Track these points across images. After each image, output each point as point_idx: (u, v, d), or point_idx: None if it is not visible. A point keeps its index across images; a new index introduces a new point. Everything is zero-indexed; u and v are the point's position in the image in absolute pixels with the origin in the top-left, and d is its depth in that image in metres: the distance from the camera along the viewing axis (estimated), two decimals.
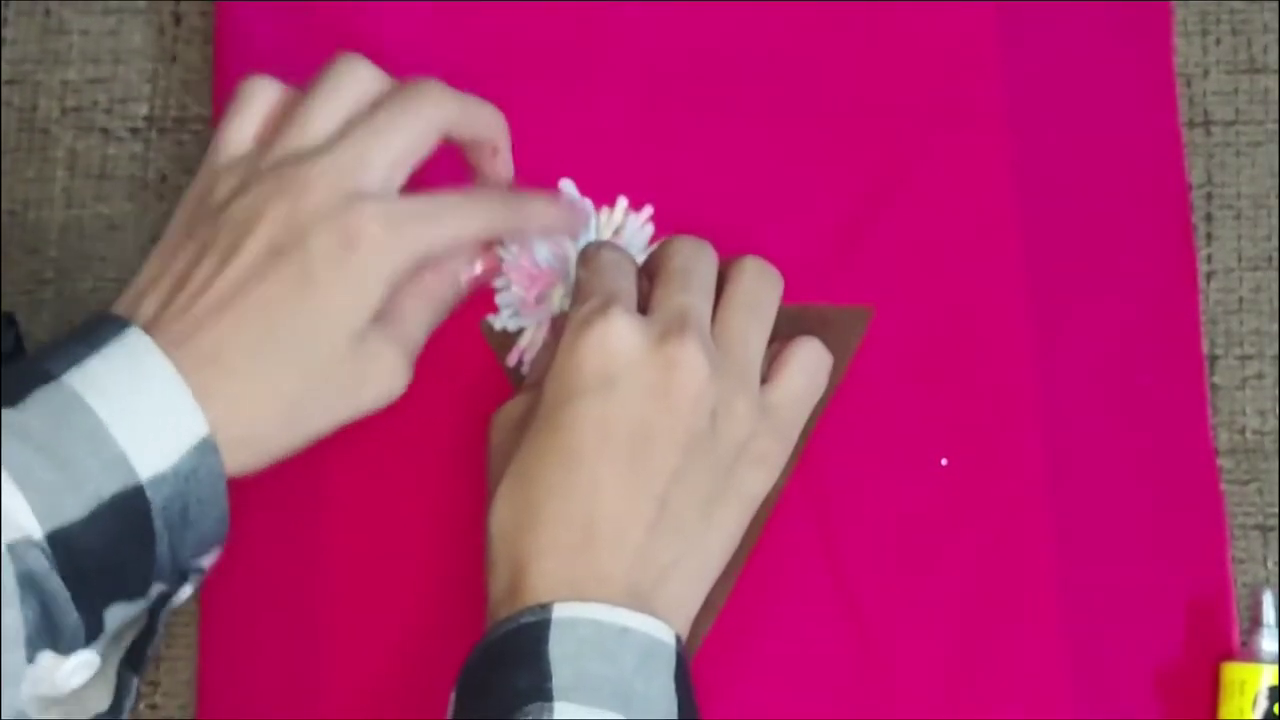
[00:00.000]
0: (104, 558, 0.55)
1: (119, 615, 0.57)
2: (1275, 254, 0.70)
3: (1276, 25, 0.72)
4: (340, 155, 0.60)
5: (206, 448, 0.57)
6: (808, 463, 0.67)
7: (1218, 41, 0.73)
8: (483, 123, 0.65)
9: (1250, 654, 0.64)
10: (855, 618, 0.66)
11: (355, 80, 0.62)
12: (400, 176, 0.62)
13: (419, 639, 0.65)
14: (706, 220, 0.69)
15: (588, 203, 0.68)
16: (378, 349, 0.61)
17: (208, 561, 0.60)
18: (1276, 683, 0.63)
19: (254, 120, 0.62)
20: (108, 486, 0.55)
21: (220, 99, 0.71)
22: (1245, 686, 0.63)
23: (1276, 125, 0.71)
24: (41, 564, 0.54)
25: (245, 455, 0.59)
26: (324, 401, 0.60)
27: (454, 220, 0.62)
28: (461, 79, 0.71)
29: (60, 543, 0.54)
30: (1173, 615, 0.66)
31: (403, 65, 0.71)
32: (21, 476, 0.54)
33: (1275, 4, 0.72)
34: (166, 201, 0.72)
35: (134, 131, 0.73)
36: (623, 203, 0.68)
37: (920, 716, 0.65)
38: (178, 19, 0.74)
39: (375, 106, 0.62)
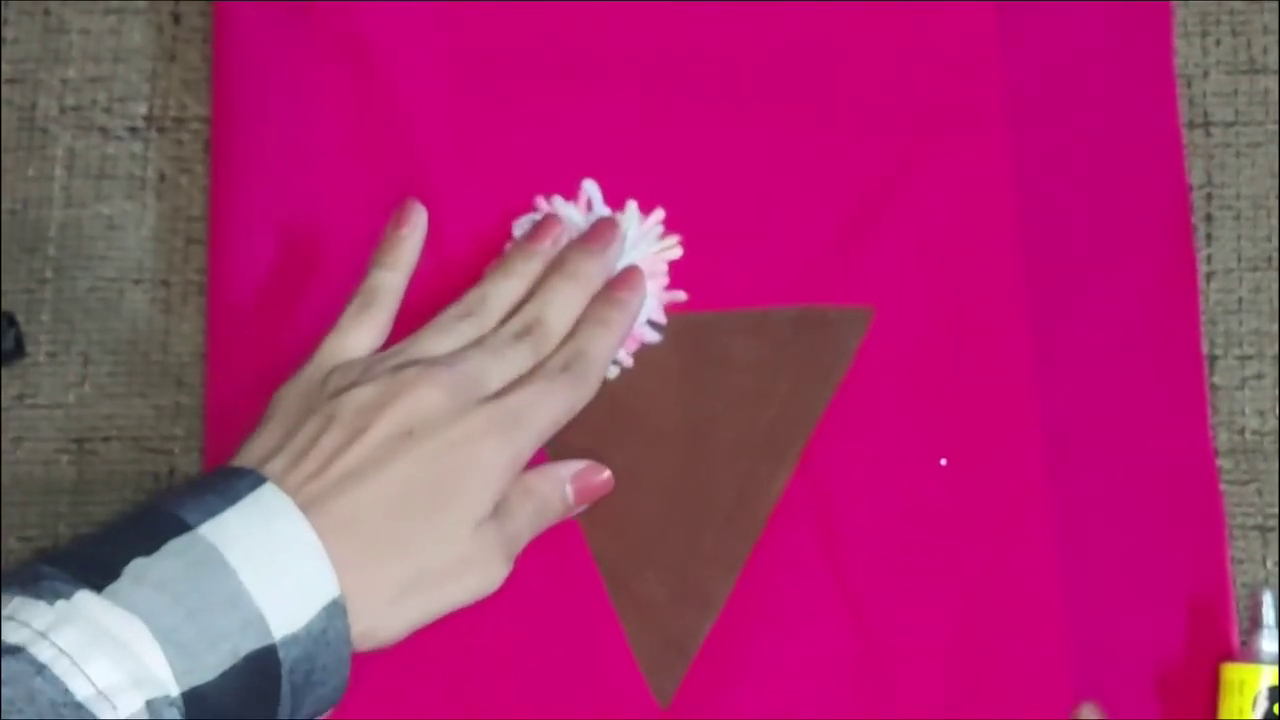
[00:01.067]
0: (231, 715, 0.54)
1: None
2: (1275, 254, 0.70)
3: (1276, 26, 0.72)
4: (465, 365, 0.62)
5: (336, 610, 0.56)
6: (808, 463, 0.67)
7: (1218, 42, 0.73)
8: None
9: (1250, 654, 0.64)
10: (855, 617, 0.66)
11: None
12: None
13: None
14: (706, 220, 0.69)
15: (606, 209, 0.68)
16: (491, 541, 0.61)
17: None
18: (1276, 683, 0.63)
19: (374, 325, 0.64)
20: (244, 645, 0.54)
21: (220, 99, 0.71)
22: (1245, 686, 0.64)
23: (1276, 126, 0.71)
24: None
25: (358, 628, 0.58)
26: (433, 584, 0.59)
27: (544, 417, 0.63)
28: (462, 79, 0.71)
29: (194, 701, 0.53)
30: (1173, 615, 0.66)
31: (403, 65, 0.71)
32: (160, 631, 0.52)
33: (1275, 5, 0.72)
34: (165, 201, 0.72)
35: (133, 131, 0.73)
36: (632, 205, 0.68)
37: (920, 716, 0.65)
38: (177, 18, 0.74)
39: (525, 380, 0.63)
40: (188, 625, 0.53)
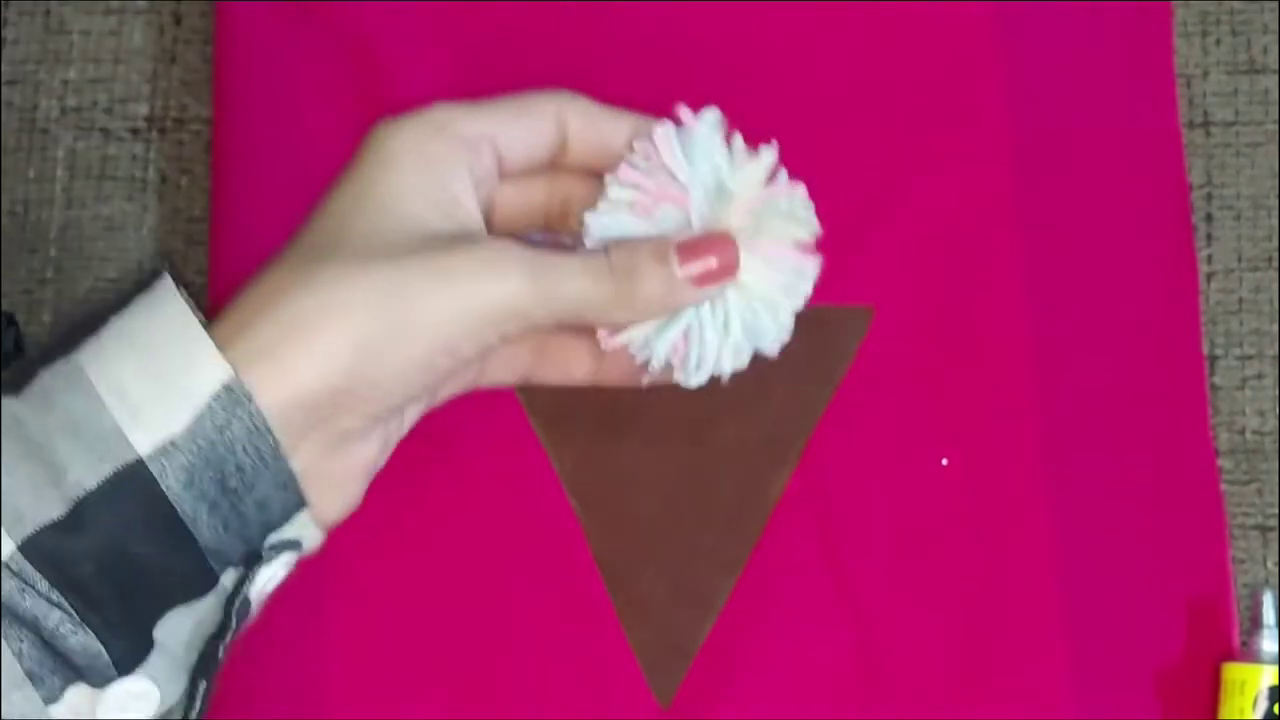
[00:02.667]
0: (115, 561, 0.45)
1: (181, 625, 0.47)
2: (1275, 254, 0.70)
3: (1276, 26, 0.72)
4: None
5: (232, 398, 0.45)
6: (808, 463, 0.67)
7: (1218, 42, 0.73)
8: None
9: (1250, 654, 0.64)
10: (855, 617, 0.66)
11: None
12: None
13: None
14: None
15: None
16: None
17: (296, 533, 0.49)
18: (1276, 683, 0.63)
19: None
20: (95, 472, 0.45)
21: (221, 99, 0.71)
22: (1245, 687, 0.63)
23: (1276, 126, 0.71)
24: (10, 587, 0.44)
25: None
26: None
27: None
28: (462, 79, 0.71)
29: (41, 555, 0.44)
30: (1173, 615, 0.66)
31: (403, 65, 0.71)
32: None
33: (1275, 5, 0.72)
34: (166, 202, 0.72)
35: (134, 132, 0.73)
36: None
37: (920, 716, 0.65)
38: (178, 19, 0.74)
39: None
40: (24, 467, 0.45)
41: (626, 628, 0.66)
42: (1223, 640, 0.66)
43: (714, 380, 0.55)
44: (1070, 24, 0.72)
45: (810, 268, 0.55)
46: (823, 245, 0.69)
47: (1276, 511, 0.68)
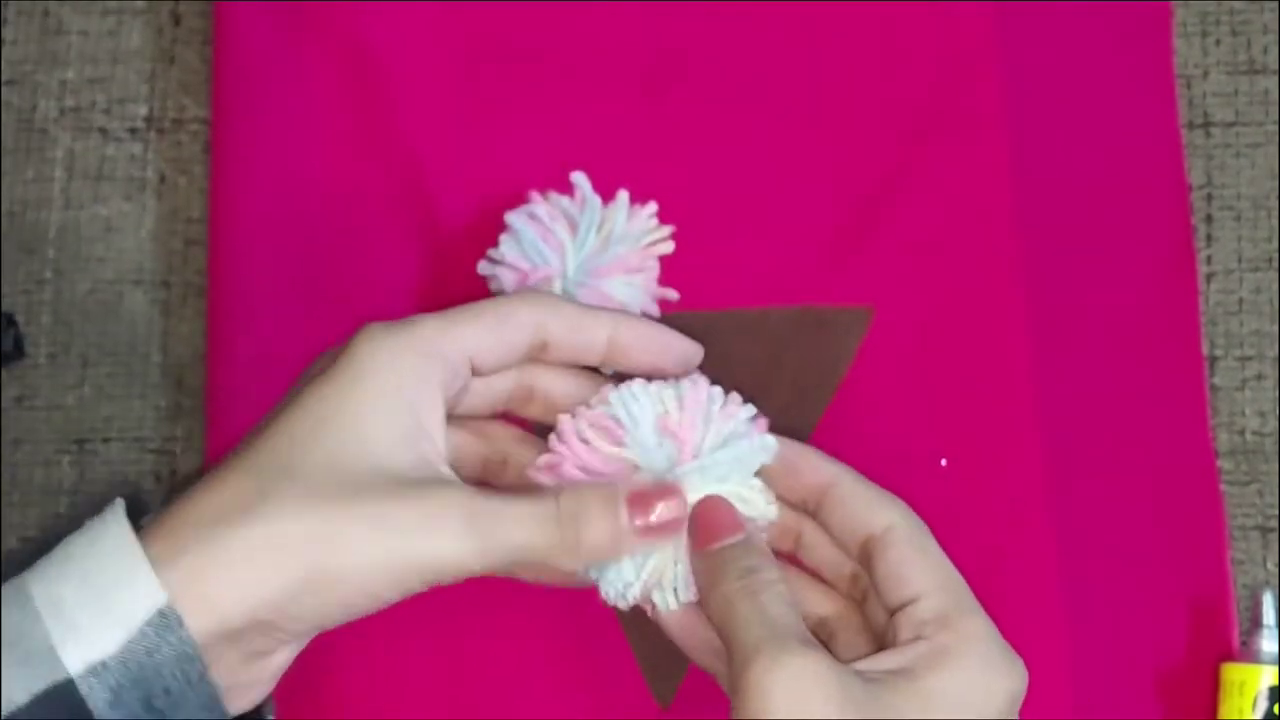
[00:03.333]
0: None
1: None
2: (1275, 255, 0.70)
3: (1276, 26, 0.72)
4: None
5: (165, 623, 0.47)
6: None
7: (1218, 42, 0.73)
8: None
9: (1250, 654, 0.64)
10: None
11: None
12: None
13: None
14: (706, 219, 0.69)
15: (596, 198, 0.67)
16: None
17: None
18: (1276, 683, 0.63)
19: None
20: (27, 688, 0.46)
21: (219, 100, 0.71)
22: (1245, 687, 0.63)
23: (1276, 126, 0.71)
24: None
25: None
26: None
27: None
28: (462, 79, 0.71)
29: None
30: (1173, 615, 0.66)
31: (403, 66, 0.71)
32: None
33: (1275, 5, 0.72)
34: (165, 202, 0.72)
35: (132, 132, 0.73)
36: (623, 196, 0.67)
37: None
38: (176, 19, 0.74)
39: None
40: None
41: (626, 629, 0.66)
42: (1223, 640, 0.66)
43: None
44: (1070, 24, 0.72)
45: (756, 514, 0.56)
46: (822, 245, 0.70)
47: (1276, 512, 0.68)
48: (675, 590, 0.54)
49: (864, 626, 0.55)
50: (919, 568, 0.53)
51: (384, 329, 0.53)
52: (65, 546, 0.49)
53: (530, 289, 0.56)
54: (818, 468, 0.57)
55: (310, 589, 0.48)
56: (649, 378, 0.55)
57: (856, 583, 0.56)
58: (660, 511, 0.52)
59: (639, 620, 0.64)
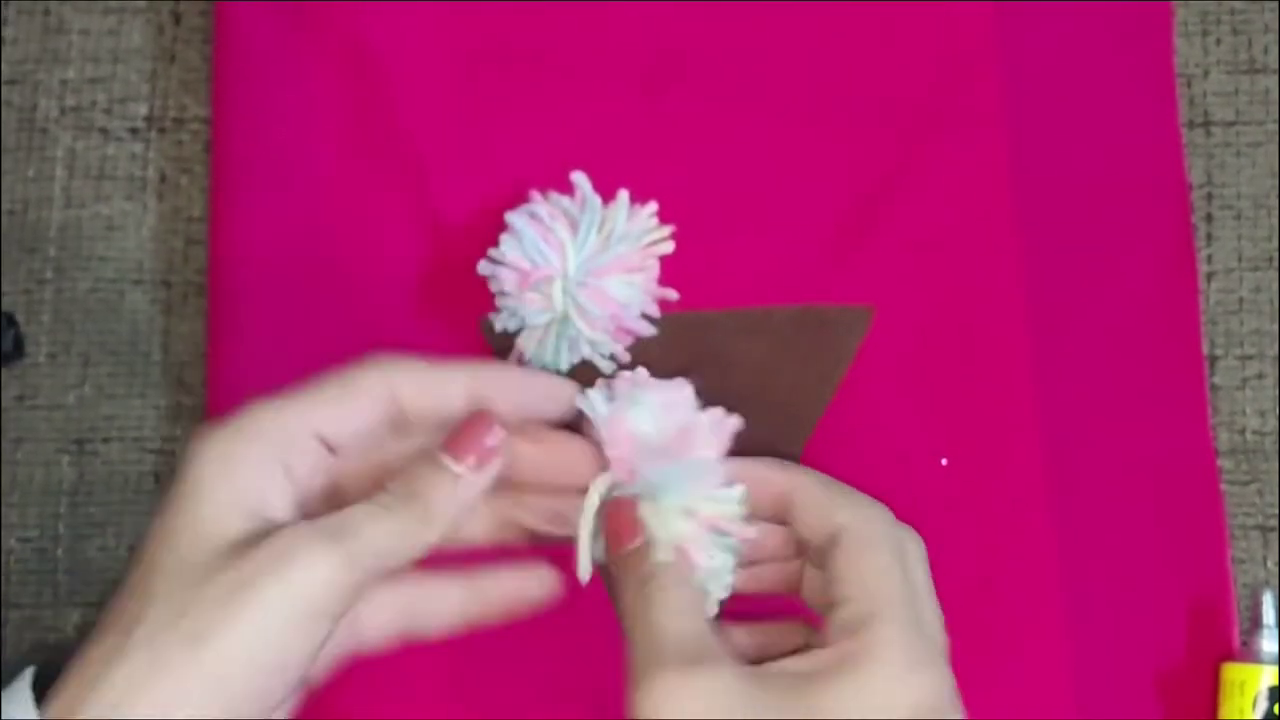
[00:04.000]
0: None
1: None
2: (1275, 254, 0.70)
3: (1277, 25, 0.72)
4: None
5: None
6: (808, 462, 0.66)
7: (1218, 42, 0.72)
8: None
9: (1250, 654, 0.64)
10: None
11: None
12: None
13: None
14: (706, 219, 0.69)
15: (597, 198, 0.67)
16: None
17: None
18: (1276, 683, 0.63)
19: None
20: None
21: (220, 99, 0.71)
22: (1245, 687, 0.63)
23: (1277, 125, 0.71)
24: None
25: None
26: None
27: None
28: (461, 78, 0.71)
29: None
30: (1173, 615, 0.66)
31: (402, 66, 0.71)
32: None
33: (1276, 4, 0.72)
34: (165, 201, 0.72)
35: (133, 131, 0.73)
36: (624, 195, 0.67)
37: None
38: (177, 18, 0.74)
39: None
40: None
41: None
42: (1222, 640, 0.66)
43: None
44: (1070, 24, 0.72)
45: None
46: (822, 244, 0.70)
47: (1277, 512, 0.68)
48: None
49: None
50: (850, 571, 0.54)
51: (213, 428, 0.53)
52: None
53: (378, 357, 0.56)
54: (769, 478, 0.57)
55: (204, 699, 0.49)
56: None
57: None
58: (479, 441, 0.54)
59: None
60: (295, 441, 0.53)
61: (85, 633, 0.53)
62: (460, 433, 0.54)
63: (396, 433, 0.56)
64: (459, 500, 0.53)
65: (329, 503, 0.55)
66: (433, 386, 0.55)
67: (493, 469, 0.54)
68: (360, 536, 0.51)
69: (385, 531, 0.52)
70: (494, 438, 0.54)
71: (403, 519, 0.52)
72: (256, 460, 0.52)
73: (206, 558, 0.50)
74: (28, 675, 0.51)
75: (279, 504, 0.53)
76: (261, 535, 0.51)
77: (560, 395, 0.58)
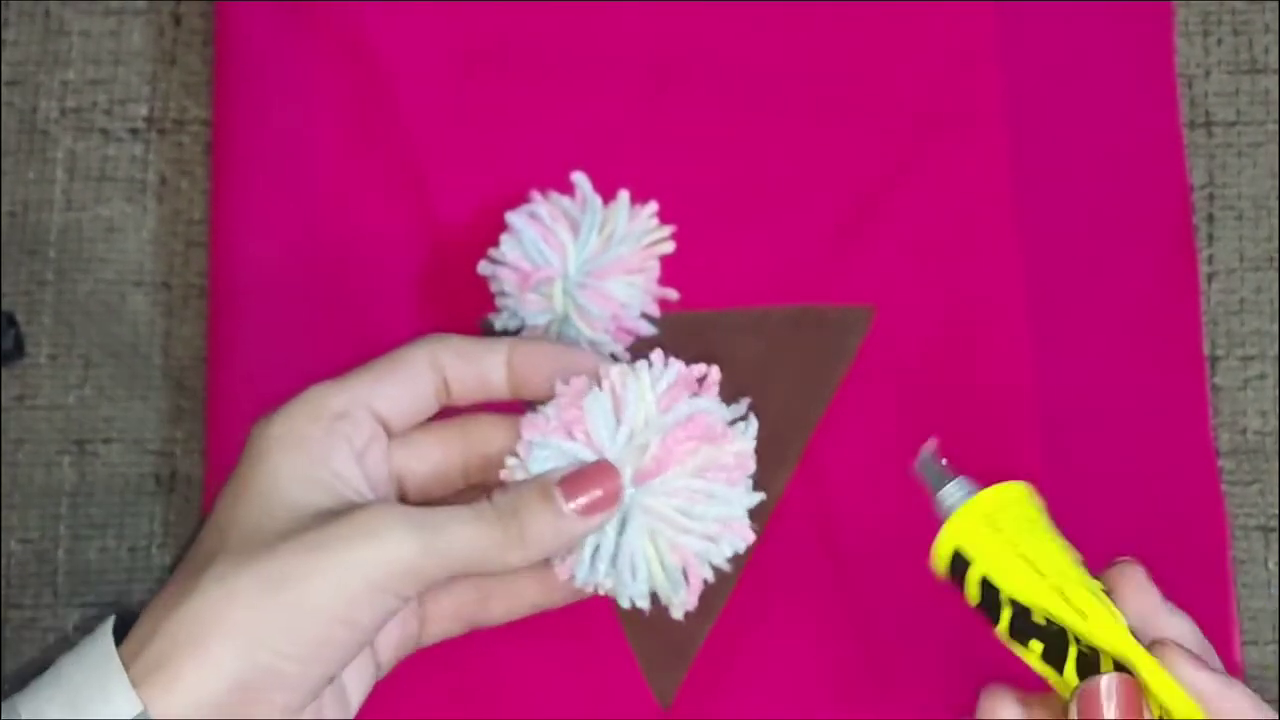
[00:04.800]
0: None
1: None
2: (1276, 254, 0.70)
3: (1277, 25, 0.72)
4: None
5: None
6: (808, 463, 0.67)
7: (1219, 42, 0.72)
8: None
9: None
10: (855, 618, 0.65)
11: None
12: None
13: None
14: (706, 218, 0.69)
15: (597, 198, 0.67)
16: None
17: None
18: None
19: None
20: None
21: (220, 101, 0.71)
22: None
23: (1277, 126, 0.71)
24: None
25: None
26: None
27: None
28: (462, 78, 0.71)
29: None
30: None
31: (403, 66, 0.71)
32: None
33: (1276, 4, 0.72)
34: (166, 203, 0.72)
35: (134, 133, 0.73)
36: (624, 196, 0.67)
37: (920, 716, 0.65)
38: (178, 20, 0.74)
39: None
40: None
41: (626, 628, 0.65)
42: (1223, 640, 0.66)
43: None
44: (1070, 24, 0.72)
45: (718, 551, 0.56)
46: (822, 244, 0.70)
47: (1277, 512, 0.68)
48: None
49: None
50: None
51: (272, 413, 0.54)
52: (56, 666, 0.51)
53: (423, 337, 0.57)
54: None
55: (273, 636, 0.50)
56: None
57: None
58: (594, 489, 0.53)
59: (639, 619, 0.65)
60: (358, 422, 0.54)
61: (86, 632, 0.53)
62: (581, 475, 0.53)
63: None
64: (556, 535, 0.53)
65: (393, 495, 0.56)
66: (475, 360, 0.56)
67: (598, 520, 0.54)
68: (445, 534, 0.52)
69: (471, 538, 0.52)
70: (612, 487, 0.54)
71: (494, 533, 0.52)
72: (323, 438, 0.53)
73: (283, 525, 0.51)
74: (109, 622, 0.52)
75: (352, 481, 0.54)
76: (339, 510, 0.52)
77: (592, 369, 0.58)
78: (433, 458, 0.57)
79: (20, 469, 0.70)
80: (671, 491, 0.55)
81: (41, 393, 0.70)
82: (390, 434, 0.56)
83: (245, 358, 0.69)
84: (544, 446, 0.54)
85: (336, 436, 0.54)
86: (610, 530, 0.54)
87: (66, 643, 0.65)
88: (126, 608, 0.56)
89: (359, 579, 0.50)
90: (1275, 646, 0.67)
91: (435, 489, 0.57)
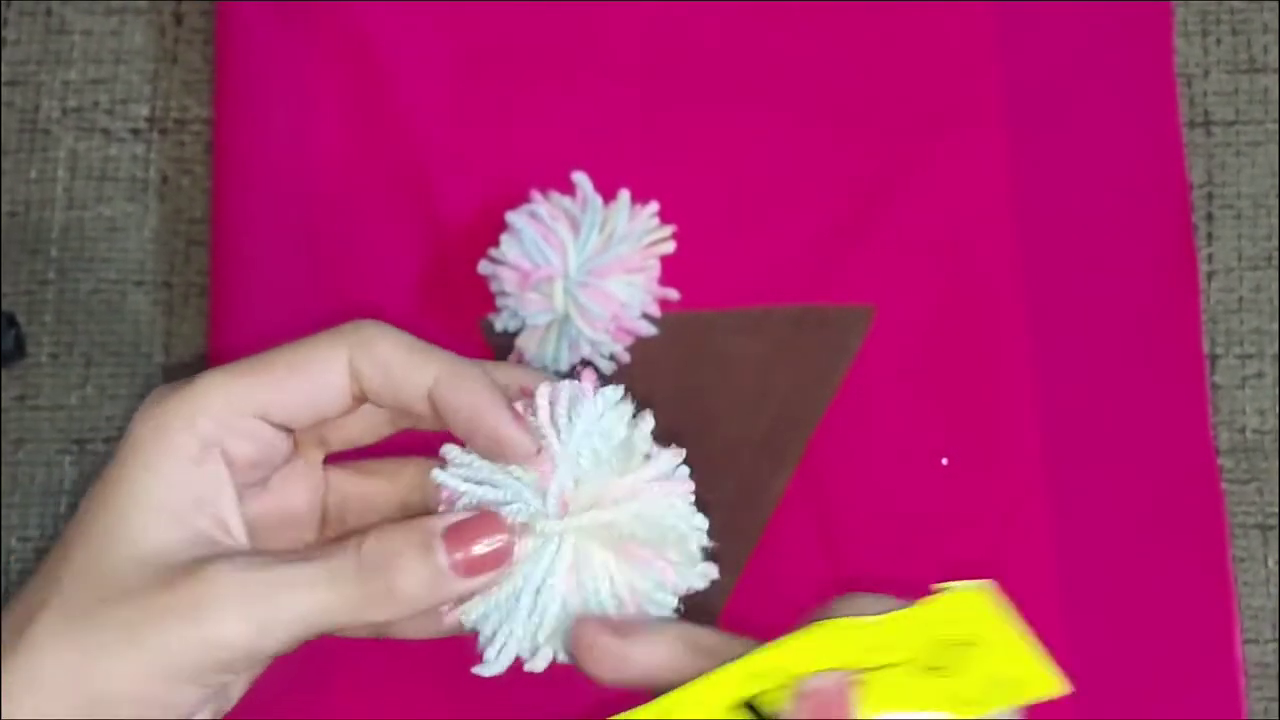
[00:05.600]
0: None
1: None
2: (1275, 253, 0.70)
3: (1277, 25, 0.72)
4: None
5: None
6: (808, 463, 0.67)
7: (1218, 41, 0.72)
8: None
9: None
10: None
11: None
12: None
13: None
14: (707, 218, 0.69)
15: (598, 198, 0.67)
16: None
17: None
18: None
19: None
20: None
21: (222, 100, 0.72)
22: None
23: (1277, 125, 0.71)
24: None
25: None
26: None
27: None
28: (462, 78, 0.71)
29: None
30: (1173, 615, 0.66)
31: (403, 65, 0.71)
32: None
33: (1275, 4, 0.72)
34: (167, 203, 0.72)
35: (135, 132, 0.73)
36: (625, 195, 0.67)
37: None
38: (179, 19, 0.74)
39: None
40: None
41: None
42: (1223, 640, 0.66)
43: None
44: (1070, 24, 0.72)
45: (670, 584, 0.50)
46: (823, 244, 0.70)
47: (1277, 510, 0.68)
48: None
49: None
50: None
51: (161, 396, 0.49)
52: None
53: (351, 326, 0.50)
54: None
55: (94, 712, 0.46)
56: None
57: None
58: (484, 544, 0.47)
59: None
60: (236, 425, 0.49)
61: None
62: (468, 526, 0.47)
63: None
64: (431, 594, 0.47)
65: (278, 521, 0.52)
66: (394, 383, 0.49)
67: (481, 582, 0.48)
68: (289, 604, 0.46)
69: (323, 603, 0.46)
70: (501, 548, 0.48)
71: (350, 594, 0.47)
72: (196, 452, 0.48)
73: (120, 577, 0.47)
74: None
75: (219, 510, 0.48)
76: (184, 565, 0.47)
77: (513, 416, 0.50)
78: (365, 485, 0.53)
79: (21, 468, 0.70)
80: (627, 566, 0.49)
81: (42, 392, 0.70)
82: (290, 431, 0.51)
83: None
84: (465, 467, 0.49)
85: (211, 454, 0.48)
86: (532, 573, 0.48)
87: None
88: None
89: (178, 664, 0.46)
90: (1275, 645, 0.67)
91: (369, 514, 0.53)
